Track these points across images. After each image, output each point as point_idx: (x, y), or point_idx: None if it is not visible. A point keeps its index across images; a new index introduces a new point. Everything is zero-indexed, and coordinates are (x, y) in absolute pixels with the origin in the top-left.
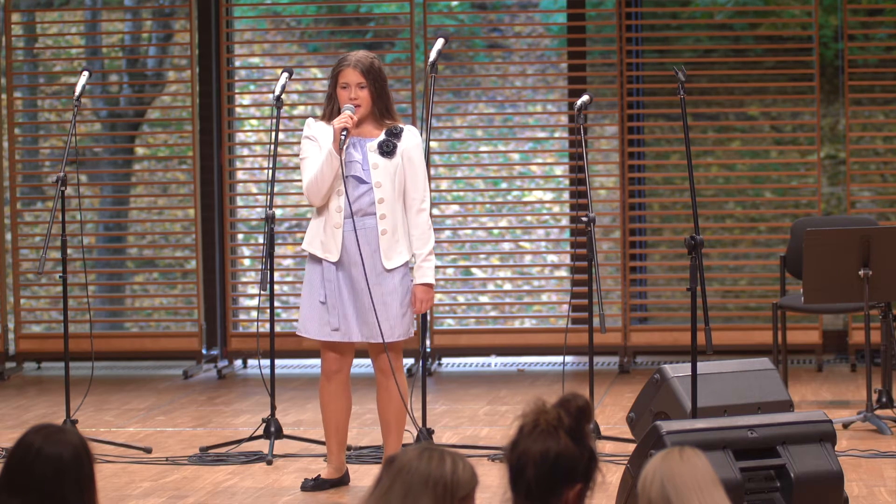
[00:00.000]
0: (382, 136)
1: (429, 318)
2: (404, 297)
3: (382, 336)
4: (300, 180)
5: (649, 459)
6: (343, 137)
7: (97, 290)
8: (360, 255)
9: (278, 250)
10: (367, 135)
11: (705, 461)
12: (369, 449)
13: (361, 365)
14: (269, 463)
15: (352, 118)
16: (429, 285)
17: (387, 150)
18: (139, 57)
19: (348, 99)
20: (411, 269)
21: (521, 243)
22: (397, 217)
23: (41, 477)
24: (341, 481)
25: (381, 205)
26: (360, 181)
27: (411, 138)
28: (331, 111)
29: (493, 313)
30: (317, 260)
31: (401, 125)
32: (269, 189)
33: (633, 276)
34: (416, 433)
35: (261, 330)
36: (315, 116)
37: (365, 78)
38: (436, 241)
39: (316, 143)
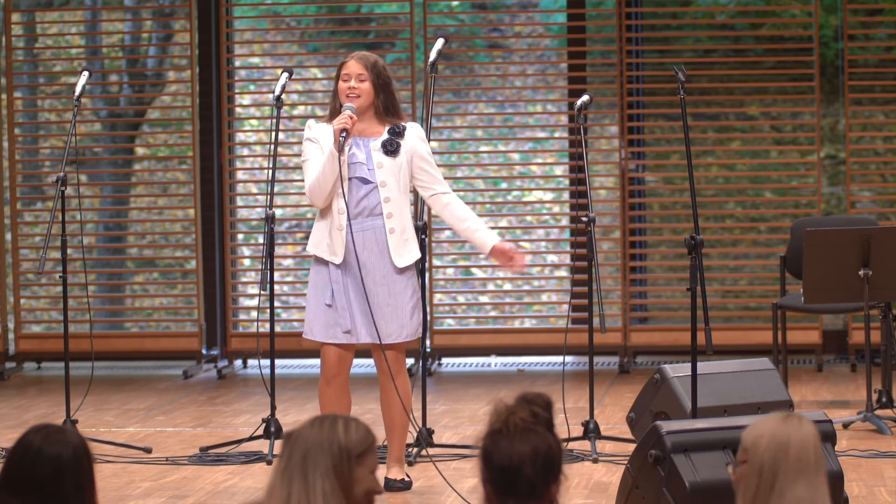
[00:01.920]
0: (385, 135)
1: (429, 318)
2: (413, 296)
3: (380, 338)
4: (301, 180)
5: (760, 420)
6: (343, 138)
7: (97, 290)
8: (356, 256)
9: (278, 250)
10: (370, 134)
11: (817, 437)
12: None
13: (361, 365)
14: (269, 463)
15: (351, 118)
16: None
17: (391, 149)
18: (139, 57)
19: (347, 89)
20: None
21: (521, 243)
22: (405, 216)
23: (41, 477)
24: None
25: (388, 204)
26: (365, 181)
27: (414, 134)
28: (333, 108)
29: (493, 313)
30: (322, 262)
31: (403, 123)
32: (269, 189)
33: (633, 276)
34: (416, 433)
35: (261, 330)
36: (317, 117)
37: (367, 70)
38: (435, 242)
39: (317, 144)
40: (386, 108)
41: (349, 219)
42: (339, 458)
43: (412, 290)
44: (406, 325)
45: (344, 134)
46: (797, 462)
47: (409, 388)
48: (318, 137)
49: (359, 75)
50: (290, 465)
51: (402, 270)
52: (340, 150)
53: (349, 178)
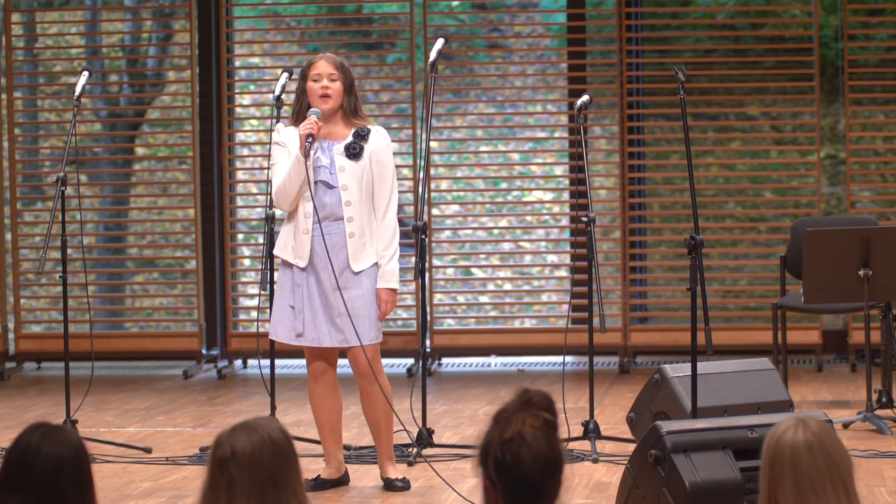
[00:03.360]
0: (350, 139)
1: (429, 318)
2: (372, 300)
3: (360, 339)
4: None
5: (781, 425)
6: (308, 144)
7: (97, 290)
8: (330, 259)
9: None
10: (335, 137)
11: (818, 444)
12: (369, 449)
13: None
14: None
15: (317, 123)
16: (393, 290)
17: (353, 152)
18: (139, 57)
19: (320, 89)
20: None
21: (521, 243)
22: (364, 219)
23: (41, 475)
24: (341, 481)
25: (349, 207)
26: (328, 185)
27: (379, 139)
28: (299, 108)
29: (493, 313)
30: (288, 265)
31: (369, 126)
32: (269, 189)
33: (633, 276)
34: (416, 433)
35: (261, 330)
36: (285, 118)
37: (337, 70)
38: (434, 241)
39: (285, 148)
40: (351, 110)
41: (316, 222)
42: (296, 474)
43: (370, 294)
44: (366, 329)
45: (310, 139)
46: (794, 475)
47: (390, 387)
48: (286, 141)
49: (330, 75)
50: (262, 482)
51: (359, 274)
52: (306, 155)
53: (314, 182)
